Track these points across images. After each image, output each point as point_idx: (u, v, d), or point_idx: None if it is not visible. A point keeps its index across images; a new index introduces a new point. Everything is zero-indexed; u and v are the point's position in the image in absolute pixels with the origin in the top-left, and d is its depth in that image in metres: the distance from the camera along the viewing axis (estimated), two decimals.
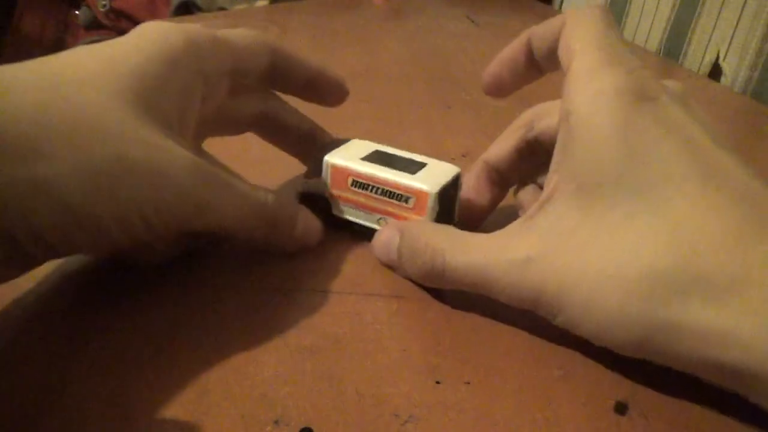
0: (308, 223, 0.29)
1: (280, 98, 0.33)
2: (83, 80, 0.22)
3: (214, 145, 0.30)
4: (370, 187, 0.29)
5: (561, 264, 0.22)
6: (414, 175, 0.28)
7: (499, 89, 0.30)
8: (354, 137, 0.32)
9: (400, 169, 0.29)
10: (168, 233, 0.24)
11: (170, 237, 0.25)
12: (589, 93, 0.23)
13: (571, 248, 0.22)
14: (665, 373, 0.23)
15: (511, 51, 0.28)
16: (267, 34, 0.30)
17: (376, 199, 0.29)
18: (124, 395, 0.21)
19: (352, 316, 0.26)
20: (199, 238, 0.28)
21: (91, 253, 0.28)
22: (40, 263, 0.23)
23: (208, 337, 0.24)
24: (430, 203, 0.28)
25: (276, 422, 0.20)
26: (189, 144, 0.25)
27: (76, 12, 1.03)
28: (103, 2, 0.96)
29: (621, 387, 0.22)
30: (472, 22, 0.77)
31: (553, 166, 0.25)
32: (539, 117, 0.29)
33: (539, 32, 0.27)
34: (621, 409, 0.22)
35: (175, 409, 0.21)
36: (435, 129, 0.46)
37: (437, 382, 0.22)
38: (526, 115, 0.30)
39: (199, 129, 0.28)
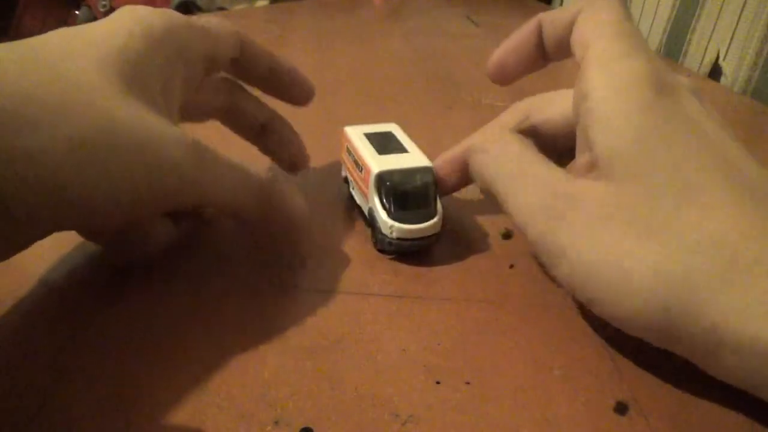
0: (297, 197, 0.28)
1: (244, 88, 0.33)
2: (66, 56, 0.22)
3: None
4: (350, 154, 0.32)
5: (582, 243, 0.23)
6: (380, 156, 0.30)
7: (505, 76, 0.29)
8: None
9: (378, 146, 0.30)
10: (159, 209, 0.23)
11: (160, 214, 0.24)
12: (609, 77, 0.23)
13: (592, 230, 0.23)
14: (665, 373, 0.23)
15: (520, 35, 0.28)
16: (231, 23, 0.30)
17: (351, 164, 0.32)
18: (124, 395, 0.21)
19: (352, 316, 0.26)
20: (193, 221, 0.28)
21: (76, 230, 0.27)
22: (23, 243, 0.21)
23: (208, 338, 0.24)
24: (372, 180, 0.29)
25: (276, 422, 0.20)
26: (174, 123, 0.25)
27: (76, 12, 1.03)
28: (103, 2, 0.96)
29: (621, 387, 0.22)
30: (472, 22, 0.77)
31: (578, 152, 0.25)
32: (536, 108, 0.29)
33: (552, 18, 0.26)
34: (621, 409, 0.22)
35: (175, 409, 0.21)
36: (435, 129, 0.46)
37: (437, 382, 0.22)
38: (522, 105, 0.30)
39: (180, 112, 0.28)
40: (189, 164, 0.23)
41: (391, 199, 0.29)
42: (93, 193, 0.20)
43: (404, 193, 0.29)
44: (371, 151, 0.30)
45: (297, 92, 0.33)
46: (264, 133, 0.33)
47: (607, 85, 0.23)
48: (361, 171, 0.30)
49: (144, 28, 0.25)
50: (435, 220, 0.29)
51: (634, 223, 0.22)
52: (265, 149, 0.34)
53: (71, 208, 0.20)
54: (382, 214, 0.28)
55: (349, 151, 0.32)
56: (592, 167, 0.24)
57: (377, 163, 0.29)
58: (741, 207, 0.21)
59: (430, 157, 0.30)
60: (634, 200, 0.22)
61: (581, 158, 0.25)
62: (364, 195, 0.30)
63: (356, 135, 0.32)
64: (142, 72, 0.24)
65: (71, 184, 0.20)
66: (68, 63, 0.22)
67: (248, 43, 0.31)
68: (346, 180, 0.34)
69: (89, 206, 0.21)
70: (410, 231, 0.28)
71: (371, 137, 0.32)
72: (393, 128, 0.33)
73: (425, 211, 0.29)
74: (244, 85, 0.33)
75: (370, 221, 0.30)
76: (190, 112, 0.31)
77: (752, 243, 0.20)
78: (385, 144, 0.31)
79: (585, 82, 0.23)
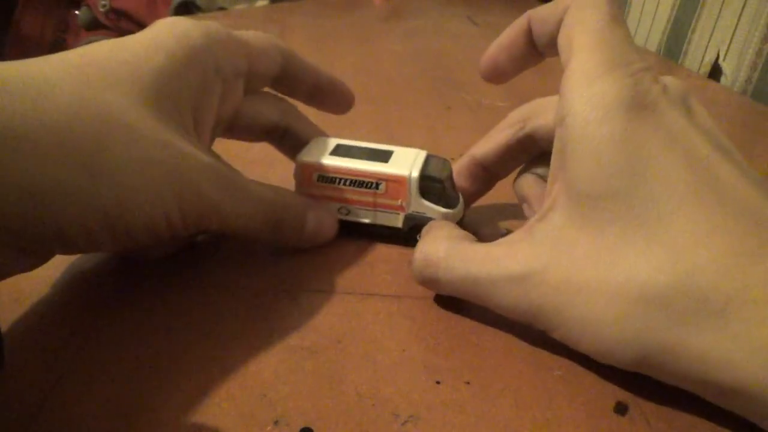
0: (320, 220, 0.29)
1: (297, 109, 0.33)
2: (108, 82, 0.23)
3: (216, 145, 0.30)
4: (338, 180, 0.29)
5: (558, 279, 0.22)
6: (388, 163, 0.29)
7: (498, 75, 0.29)
8: (353, 137, 0.32)
9: (371, 159, 0.29)
10: (186, 233, 0.24)
11: (185, 235, 0.25)
12: (587, 99, 0.22)
13: (569, 263, 0.22)
14: None
15: (509, 35, 0.27)
16: (277, 38, 0.30)
17: (344, 190, 0.30)
18: (123, 395, 0.21)
19: (352, 316, 0.26)
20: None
21: (109, 251, 0.28)
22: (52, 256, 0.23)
23: (208, 338, 0.24)
24: (412, 185, 0.28)
25: (276, 422, 0.20)
26: (203, 145, 0.25)
27: (76, 12, 1.03)
28: (103, 2, 0.96)
29: (621, 387, 0.22)
30: (472, 22, 0.78)
31: (551, 175, 0.24)
32: (533, 114, 0.29)
33: (540, 16, 0.26)
34: (621, 409, 0.22)
35: (175, 409, 0.21)
36: (435, 129, 0.46)
37: (437, 382, 0.22)
38: (518, 112, 0.30)
39: (214, 129, 0.28)
40: (212, 190, 0.24)
41: (441, 192, 0.29)
42: (130, 221, 0.22)
43: (447, 181, 0.29)
44: (374, 163, 0.29)
45: (338, 104, 0.33)
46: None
47: (583, 109, 0.22)
48: (376, 188, 0.29)
49: (183, 46, 0.25)
50: (461, 198, 0.30)
51: (606, 266, 0.21)
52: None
53: (108, 233, 0.22)
54: (438, 210, 0.29)
55: (332, 179, 0.29)
56: (556, 201, 0.23)
57: (402, 168, 0.29)
58: (722, 236, 0.20)
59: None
60: (605, 242, 0.21)
61: (553, 187, 0.24)
62: (392, 208, 0.29)
63: (327, 158, 0.29)
64: (176, 94, 0.24)
65: (110, 213, 0.21)
66: (109, 93, 0.22)
67: (293, 58, 0.31)
68: None
69: (125, 232, 0.22)
70: (460, 212, 0.30)
71: (343, 153, 0.30)
72: (338, 140, 0.31)
73: (456, 193, 0.30)
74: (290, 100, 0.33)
75: (408, 228, 0.29)
76: (239, 131, 0.31)
77: (727, 280, 0.19)
78: (365, 153, 0.30)
79: (563, 104, 0.23)
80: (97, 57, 0.23)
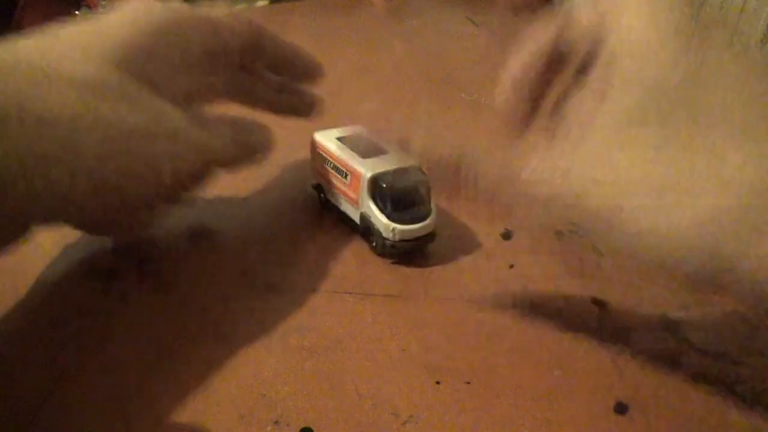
0: (267, 130, 0.30)
1: (248, 70, 0.33)
2: (74, 52, 0.24)
3: None
4: (327, 161, 0.31)
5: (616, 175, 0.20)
6: (365, 159, 0.29)
7: (524, 119, 0.24)
8: None
9: (358, 152, 0.30)
10: (176, 183, 0.25)
11: (175, 188, 0.26)
12: (644, 19, 0.20)
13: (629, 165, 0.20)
14: (665, 373, 0.23)
15: (526, 70, 0.24)
16: (248, 14, 0.30)
17: (329, 171, 0.31)
18: (124, 395, 0.21)
19: (352, 316, 0.26)
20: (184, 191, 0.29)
21: (98, 220, 0.27)
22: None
23: (207, 338, 0.24)
24: (364, 184, 0.29)
25: (276, 422, 0.20)
26: (177, 104, 0.26)
27: (76, 12, 1.03)
28: (103, 2, 0.96)
29: (621, 387, 0.22)
30: (472, 22, 0.77)
31: (590, 90, 0.21)
32: (568, 23, 0.23)
33: (568, 38, 0.23)
34: (621, 409, 0.22)
35: (175, 409, 0.21)
36: (435, 129, 0.46)
37: (437, 382, 0.22)
38: (552, 24, 0.24)
39: (205, 95, 0.29)
40: (193, 132, 0.26)
41: (388, 200, 0.28)
42: (119, 180, 0.23)
43: (400, 194, 0.28)
44: (354, 155, 0.30)
45: (308, 73, 0.34)
46: (280, 102, 0.34)
47: (635, 13, 0.20)
48: (345, 177, 0.30)
49: (149, 21, 0.26)
50: (432, 217, 0.29)
51: (680, 173, 0.19)
52: (282, 111, 0.34)
53: (95, 196, 0.23)
54: (380, 218, 0.28)
55: (324, 158, 0.31)
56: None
57: (366, 166, 0.29)
58: None
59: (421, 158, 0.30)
60: (674, 149, 0.20)
61: (592, 105, 0.21)
62: (352, 200, 0.30)
63: (329, 140, 0.31)
64: (146, 63, 0.25)
65: (97, 174, 0.22)
66: (82, 60, 0.23)
67: (264, 35, 0.31)
68: (316, 187, 0.33)
69: (112, 192, 0.23)
70: (411, 231, 0.28)
71: (346, 141, 0.31)
72: (360, 130, 0.32)
73: (422, 210, 0.29)
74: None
75: (363, 227, 0.30)
76: (204, 97, 0.31)
77: None
78: (363, 147, 0.30)
79: (612, 20, 0.21)
80: (67, 34, 0.25)
